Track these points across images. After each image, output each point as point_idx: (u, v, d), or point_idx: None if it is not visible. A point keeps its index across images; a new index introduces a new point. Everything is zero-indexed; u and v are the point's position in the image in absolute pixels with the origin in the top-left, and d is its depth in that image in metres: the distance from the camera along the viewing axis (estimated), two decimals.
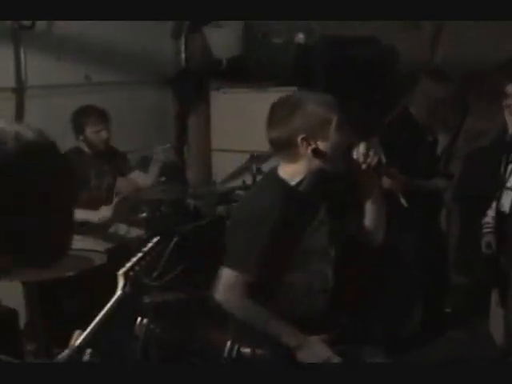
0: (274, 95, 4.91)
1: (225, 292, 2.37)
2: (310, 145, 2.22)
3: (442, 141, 4.36)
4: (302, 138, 2.22)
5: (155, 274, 2.08)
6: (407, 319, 4.19)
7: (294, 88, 4.97)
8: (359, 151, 2.25)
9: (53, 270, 3.30)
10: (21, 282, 3.34)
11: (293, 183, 2.33)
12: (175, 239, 3.22)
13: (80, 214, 3.98)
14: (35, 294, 3.26)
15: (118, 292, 1.97)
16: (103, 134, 4.09)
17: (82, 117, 4.09)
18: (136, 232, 4.06)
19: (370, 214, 2.43)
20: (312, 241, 2.39)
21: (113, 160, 4.28)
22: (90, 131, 4.08)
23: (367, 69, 4.82)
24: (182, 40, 5.47)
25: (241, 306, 2.35)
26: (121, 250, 3.78)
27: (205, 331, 3.46)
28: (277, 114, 2.29)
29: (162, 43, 5.35)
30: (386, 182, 3.81)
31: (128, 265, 2.01)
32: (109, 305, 1.94)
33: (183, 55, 5.50)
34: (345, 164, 2.29)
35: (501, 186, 3.53)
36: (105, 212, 3.98)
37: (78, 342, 1.88)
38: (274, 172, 2.39)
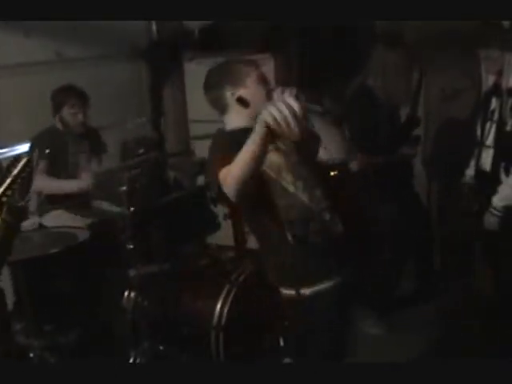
0: None
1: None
2: (233, 94, 2.52)
3: (404, 107, 4.38)
4: (228, 89, 2.53)
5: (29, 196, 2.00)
6: (395, 282, 4.27)
7: (267, 55, 4.99)
8: (277, 92, 2.46)
9: (37, 247, 3.32)
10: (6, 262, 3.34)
11: (227, 128, 2.62)
12: None
13: (67, 185, 4.02)
14: (20, 272, 3.27)
15: None
16: (79, 117, 4.05)
17: (61, 96, 4.05)
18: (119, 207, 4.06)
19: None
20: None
21: (90, 139, 4.25)
22: (66, 112, 4.04)
23: (341, 34, 4.82)
24: None
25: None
26: (104, 226, 3.79)
27: (192, 301, 3.50)
28: (209, 80, 2.63)
29: None
30: (357, 163, 3.87)
31: None
32: None
33: (154, 27, 5.45)
34: None
35: (479, 145, 3.56)
36: (83, 183, 4.01)
37: None
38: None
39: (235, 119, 2.58)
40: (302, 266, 2.49)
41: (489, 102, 3.51)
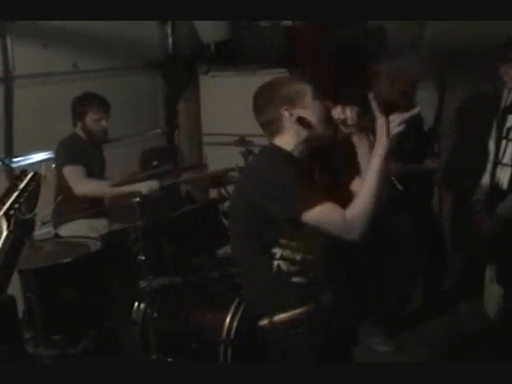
0: (262, 78, 5.04)
1: None
2: (292, 114, 2.37)
3: (428, 121, 4.37)
4: (285, 109, 2.37)
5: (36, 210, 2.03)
6: (406, 299, 4.23)
7: (283, 70, 5.01)
8: (337, 111, 2.37)
9: (48, 257, 3.34)
10: (17, 271, 3.36)
11: (289, 150, 2.43)
12: None
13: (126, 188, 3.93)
14: (32, 281, 3.28)
15: (4, 233, 1.96)
16: (103, 123, 4.09)
17: (84, 104, 4.07)
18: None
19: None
20: None
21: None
22: (90, 119, 4.06)
23: (355, 49, 4.83)
24: (169, 25, 5.46)
25: None
26: (116, 237, 3.80)
27: (201, 314, 3.50)
28: (261, 100, 2.45)
29: (148, 28, 5.33)
30: None
31: (5, 206, 2.01)
32: None
33: (170, 40, 5.50)
34: (329, 127, 2.41)
35: (494, 163, 3.53)
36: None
37: None
38: (268, 145, 2.49)
39: (291, 141, 2.42)
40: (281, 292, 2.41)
41: (505, 119, 3.49)
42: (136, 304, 3.58)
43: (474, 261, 4.50)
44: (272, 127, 2.43)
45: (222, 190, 4.21)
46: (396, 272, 4.10)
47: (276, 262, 2.37)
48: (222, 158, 4.29)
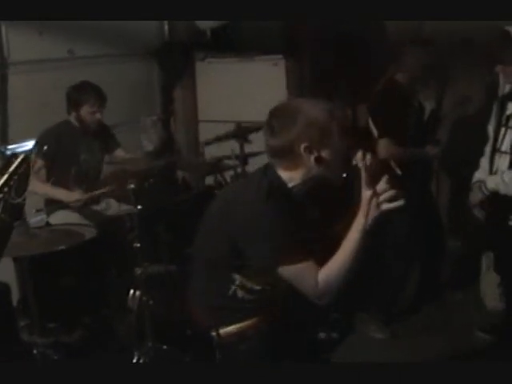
0: (259, 64, 5.06)
1: None
2: (312, 153, 2.18)
3: (428, 108, 4.36)
4: (305, 147, 2.17)
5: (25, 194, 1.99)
6: (403, 287, 4.22)
7: (280, 56, 4.99)
8: (357, 157, 2.13)
9: (43, 244, 3.32)
10: (12, 258, 3.35)
11: (289, 185, 2.27)
12: None
13: (53, 192, 3.98)
14: (27, 269, 3.27)
15: None
16: (98, 116, 4.05)
17: (81, 95, 4.02)
18: (126, 206, 4.05)
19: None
20: None
21: (101, 135, 4.26)
22: (85, 111, 4.02)
23: (354, 38, 4.81)
24: None
25: None
26: (111, 224, 3.79)
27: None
28: (276, 122, 2.21)
29: None
30: (381, 152, 3.84)
31: None
32: None
33: (167, 26, 5.46)
34: (344, 170, 2.25)
35: (493, 150, 3.52)
36: (78, 196, 3.94)
37: None
38: (268, 172, 2.30)
39: (297, 178, 2.25)
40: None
41: (504, 107, 3.47)
42: (132, 291, 3.57)
43: (470, 249, 4.51)
44: (281, 156, 2.23)
45: (219, 177, 4.20)
46: (393, 261, 4.09)
47: (233, 288, 2.29)
48: (218, 145, 4.28)
